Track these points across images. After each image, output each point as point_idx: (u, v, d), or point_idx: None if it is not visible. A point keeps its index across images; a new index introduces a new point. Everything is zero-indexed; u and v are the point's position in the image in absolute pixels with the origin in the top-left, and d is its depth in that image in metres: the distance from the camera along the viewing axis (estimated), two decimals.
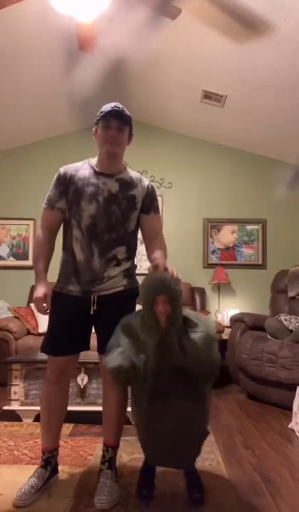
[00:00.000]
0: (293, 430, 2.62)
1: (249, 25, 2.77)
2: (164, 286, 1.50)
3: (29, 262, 4.73)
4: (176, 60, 3.45)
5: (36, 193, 4.84)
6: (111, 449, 1.88)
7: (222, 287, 4.62)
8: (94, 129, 1.88)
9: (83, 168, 1.90)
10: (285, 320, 3.56)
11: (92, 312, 1.82)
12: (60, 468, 1.98)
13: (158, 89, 4.02)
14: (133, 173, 1.95)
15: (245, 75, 3.40)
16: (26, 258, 4.75)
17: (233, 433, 2.59)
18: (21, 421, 2.74)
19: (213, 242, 4.76)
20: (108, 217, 1.83)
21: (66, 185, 1.87)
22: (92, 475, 1.95)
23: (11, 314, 4.05)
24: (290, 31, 2.80)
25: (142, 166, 4.83)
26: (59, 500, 1.72)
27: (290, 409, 2.77)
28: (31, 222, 4.77)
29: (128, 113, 1.85)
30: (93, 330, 1.89)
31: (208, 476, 1.94)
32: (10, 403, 2.78)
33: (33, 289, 4.49)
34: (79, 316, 1.83)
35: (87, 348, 1.89)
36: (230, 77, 3.51)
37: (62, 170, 1.91)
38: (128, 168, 1.96)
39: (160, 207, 5.16)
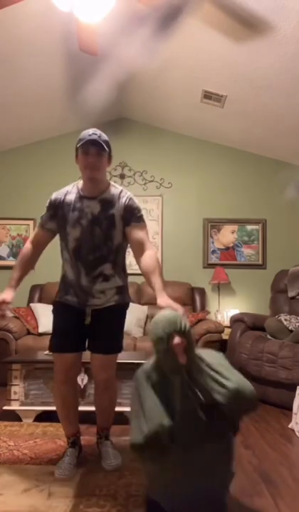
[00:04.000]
0: (293, 430, 2.62)
1: (249, 25, 2.77)
2: (176, 322, 1.49)
3: None
4: (176, 61, 3.45)
5: (36, 193, 4.86)
6: (106, 430, 2.18)
7: (222, 287, 4.62)
8: (75, 155, 1.99)
9: (71, 192, 2.05)
10: (285, 320, 3.56)
11: (87, 322, 2.03)
12: None
13: (158, 89, 4.02)
14: (115, 190, 2.04)
15: (245, 75, 3.40)
16: None
17: None
18: (21, 421, 2.74)
19: (213, 242, 4.76)
20: (92, 238, 1.98)
21: (55, 210, 2.04)
22: (92, 475, 1.95)
23: (11, 314, 4.05)
24: (290, 31, 2.80)
25: (142, 166, 4.84)
26: (59, 500, 1.72)
27: (290, 409, 2.77)
28: (31, 222, 4.77)
29: (105, 138, 1.96)
30: None
31: None
32: (10, 403, 2.78)
33: (32, 289, 4.51)
34: (76, 322, 2.04)
35: (85, 348, 2.09)
36: (230, 77, 3.51)
37: (53, 196, 2.07)
38: (111, 185, 2.06)
39: (160, 207, 5.16)
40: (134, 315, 4.03)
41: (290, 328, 3.47)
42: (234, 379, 1.49)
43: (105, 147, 1.93)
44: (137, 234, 2.00)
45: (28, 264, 2.10)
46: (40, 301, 4.36)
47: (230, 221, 4.77)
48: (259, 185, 4.79)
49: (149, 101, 4.35)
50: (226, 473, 1.58)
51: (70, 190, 2.05)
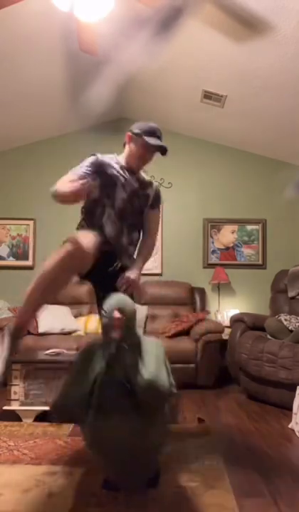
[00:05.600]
0: (293, 430, 2.62)
1: (249, 25, 2.77)
2: (121, 301, 1.73)
3: (29, 262, 4.74)
4: (176, 60, 3.45)
5: (36, 193, 4.86)
6: None
7: (222, 287, 4.62)
8: (130, 134, 2.15)
9: (114, 161, 2.17)
10: (285, 320, 3.56)
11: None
12: (60, 468, 1.99)
13: (158, 89, 4.02)
14: (145, 176, 2.30)
15: (245, 75, 3.40)
16: (26, 258, 4.75)
17: (233, 433, 2.59)
18: (21, 421, 2.74)
19: (213, 242, 4.76)
20: (132, 206, 2.17)
21: (102, 168, 2.09)
22: (92, 475, 1.95)
23: (11, 314, 4.05)
24: (290, 31, 2.80)
25: None
26: (59, 500, 1.72)
27: (290, 409, 2.77)
28: (31, 222, 4.77)
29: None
30: None
31: (208, 476, 1.94)
32: (10, 403, 2.78)
33: None
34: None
35: None
36: (230, 77, 3.51)
37: (99, 156, 2.12)
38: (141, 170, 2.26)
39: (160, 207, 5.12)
40: None
41: (290, 328, 3.47)
42: (153, 371, 1.61)
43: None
44: (152, 219, 2.30)
45: None
46: None
47: (230, 221, 4.77)
48: (259, 185, 4.79)
49: (149, 101, 4.35)
50: (145, 446, 1.67)
51: (112, 159, 2.17)
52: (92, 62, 3.15)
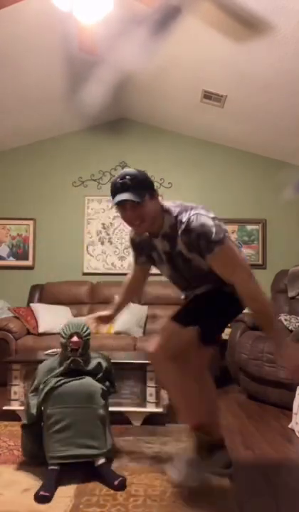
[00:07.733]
0: (293, 430, 2.61)
1: (249, 25, 2.77)
2: (79, 326, 2.15)
3: (29, 262, 4.74)
4: (176, 60, 3.45)
5: (36, 193, 4.87)
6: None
7: None
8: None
9: None
10: (285, 320, 3.56)
11: None
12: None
13: (158, 89, 4.02)
14: (170, 221, 1.73)
15: (245, 75, 3.40)
16: (26, 258, 4.75)
17: (233, 433, 2.58)
18: (21, 421, 2.74)
19: None
20: (181, 273, 1.86)
21: (137, 248, 2.03)
22: (92, 475, 1.95)
23: (11, 314, 4.04)
24: (290, 31, 2.80)
25: (142, 166, 4.80)
26: (59, 500, 1.72)
27: (290, 409, 2.77)
28: (31, 222, 4.77)
29: (130, 179, 1.65)
30: None
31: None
32: (10, 403, 2.78)
33: (32, 289, 4.51)
34: None
35: None
36: (230, 77, 3.51)
37: (130, 234, 2.02)
38: (166, 212, 1.75)
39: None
40: (134, 315, 4.03)
41: (290, 328, 3.47)
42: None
43: (134, 197, 1.62)
44: (215, 268, 1.70)
45: (129, 294, 2.25)
46: (40, 301, 4.36)
47: (230, 221, 4.76)
48: (259, 185, 4.79)
49: (149, 101, 4.35)
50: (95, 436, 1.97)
51: None
52: (92, 61, 3.16)
